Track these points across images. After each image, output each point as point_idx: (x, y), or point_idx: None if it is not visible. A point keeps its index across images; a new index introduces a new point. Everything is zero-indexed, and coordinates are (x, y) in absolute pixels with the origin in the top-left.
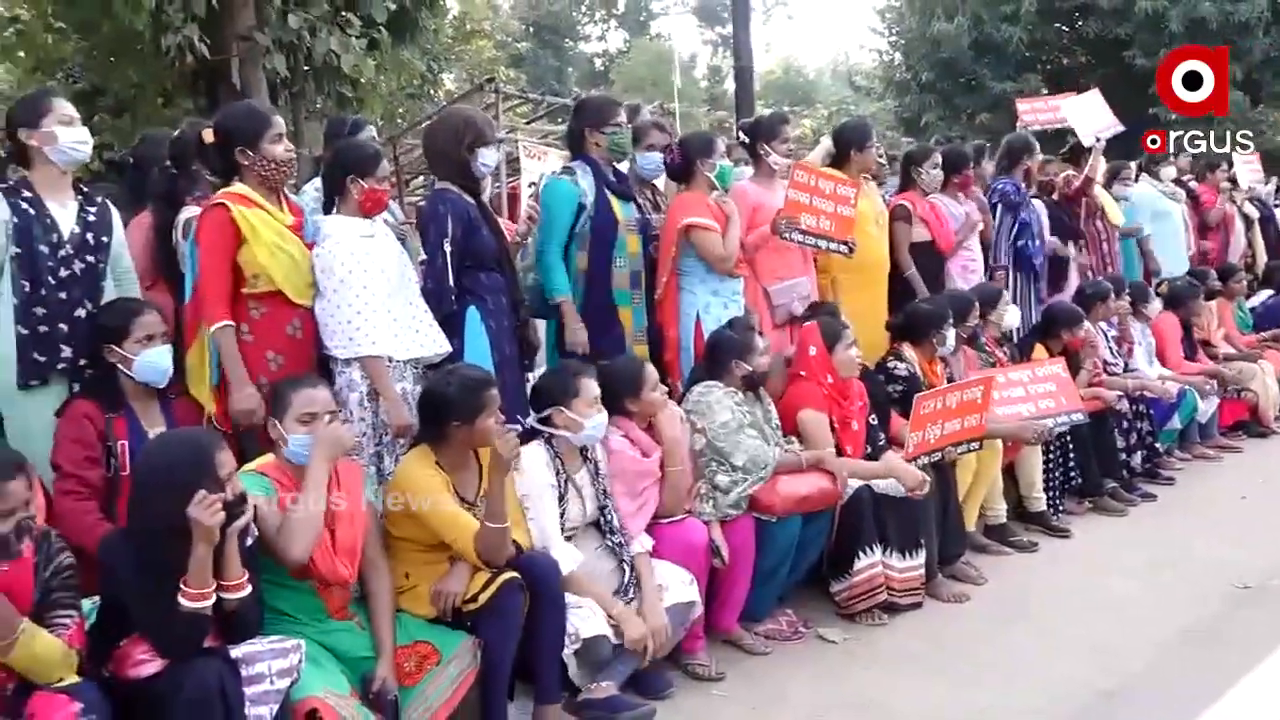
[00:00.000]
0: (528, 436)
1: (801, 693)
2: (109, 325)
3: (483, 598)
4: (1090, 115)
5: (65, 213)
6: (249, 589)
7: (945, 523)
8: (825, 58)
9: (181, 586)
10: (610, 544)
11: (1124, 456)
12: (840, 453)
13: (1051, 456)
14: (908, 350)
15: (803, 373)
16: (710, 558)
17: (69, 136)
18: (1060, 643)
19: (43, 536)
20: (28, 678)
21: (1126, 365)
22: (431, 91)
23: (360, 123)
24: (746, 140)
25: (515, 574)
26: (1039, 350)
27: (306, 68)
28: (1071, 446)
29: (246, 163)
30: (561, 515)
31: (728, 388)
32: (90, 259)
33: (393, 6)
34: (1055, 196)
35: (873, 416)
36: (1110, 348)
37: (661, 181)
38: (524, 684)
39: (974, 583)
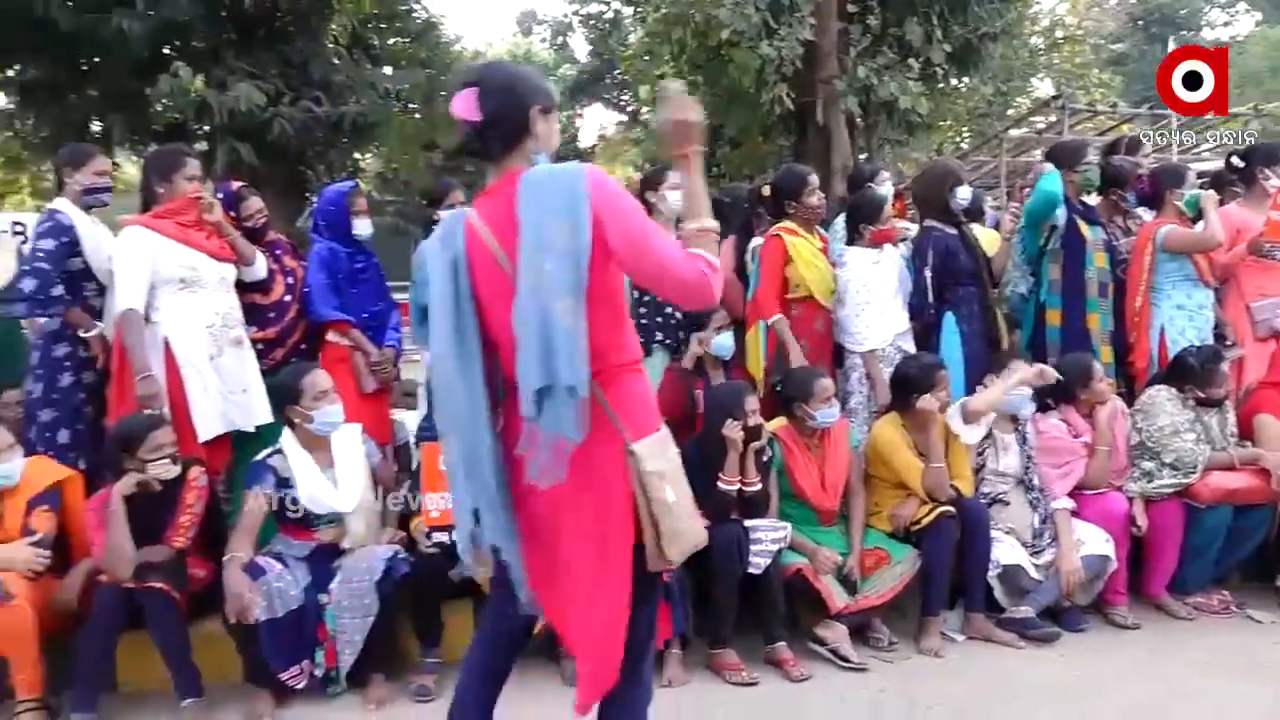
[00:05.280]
0: None
1: (1201, 648)
2: (693, 318)
3: (925, 521)
4: None
5: None
6: (759, 487)
7: None
8: None
9: (720, 476)
10: (1031, 499)
11: None
12: None
13: None
14: None
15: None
16: (1129, 527)
17: (675, 197)
18: None
19: None
20: None
21: None
22: (1013, 104)
23: (876, 171)
24: (1240, 165)
25: (951, 509)
26: None
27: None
28: None
29: (791, 211)
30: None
31: (1175, 395)
32: None
33: (948, 49)
34: None
35: None
36: None
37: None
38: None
39: None
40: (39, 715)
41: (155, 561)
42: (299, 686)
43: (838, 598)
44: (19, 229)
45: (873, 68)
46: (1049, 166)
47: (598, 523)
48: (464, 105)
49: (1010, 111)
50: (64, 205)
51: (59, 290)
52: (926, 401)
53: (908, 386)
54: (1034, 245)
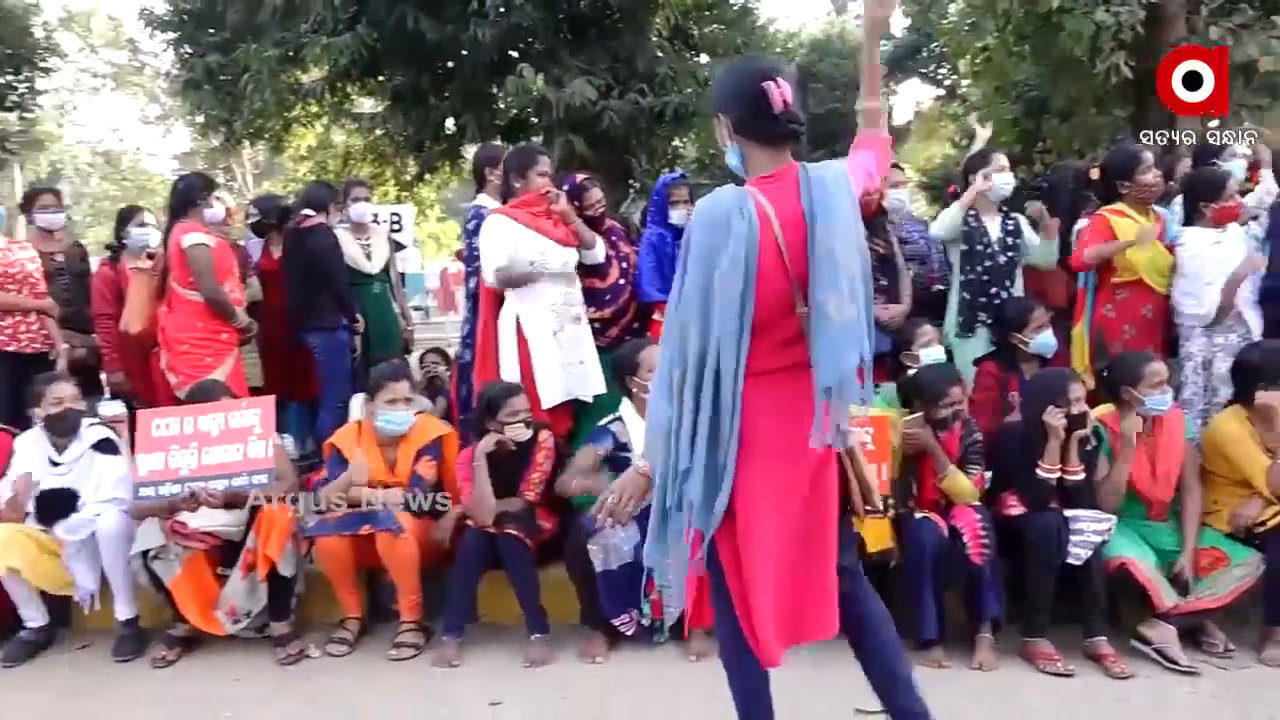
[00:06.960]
0: None
1: None
2: (1007, 317)
3: (1271, 523)
4: None
5: (993, 224)
6: (1081, 476)
7: None
8: None
9: (1039, 463)
10: None
11: None
12: None
13: None
14: None
15: None
16: None
17: (1002, 180)
18: None
19: (966, 422)
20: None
21: None
22: None
23: (1222, 148)
24: None
25: None
26: None
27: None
28: None
29: (1124, 191)
30: None
31: None
32: (1009, 255)
33: None
34: None
35: None
36: None
37: None
38: None
39: None
40: (417, 634)
41: (511, 511)
42: (628, 633)
43: (1165, 596)
44: (395, 219)
45: (1228, 27)
46: None
47: (823, 477)
48: (785, 93)
49: None
50: (486, 200)
51: None
52: (1270, 396)
53: (1251, 376)
54: None
